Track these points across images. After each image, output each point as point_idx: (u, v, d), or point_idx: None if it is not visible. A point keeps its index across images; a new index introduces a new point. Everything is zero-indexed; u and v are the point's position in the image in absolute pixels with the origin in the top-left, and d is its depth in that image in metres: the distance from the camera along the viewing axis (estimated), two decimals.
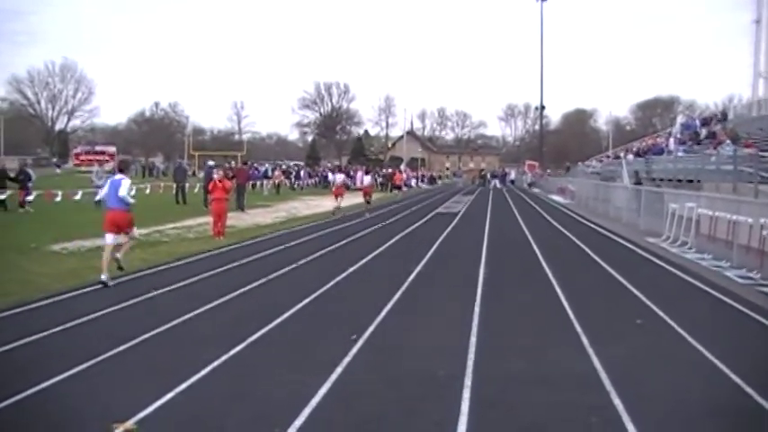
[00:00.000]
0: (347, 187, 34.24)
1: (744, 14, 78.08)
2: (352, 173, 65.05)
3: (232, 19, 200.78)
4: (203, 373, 7.41)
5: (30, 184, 31.92)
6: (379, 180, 65.99)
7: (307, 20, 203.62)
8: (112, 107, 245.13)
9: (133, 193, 14.52)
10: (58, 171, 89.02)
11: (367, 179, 37.54)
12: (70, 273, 13.89)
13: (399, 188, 55.54)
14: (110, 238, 13.21)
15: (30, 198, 30.61)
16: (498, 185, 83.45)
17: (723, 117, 44.23)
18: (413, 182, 75.96)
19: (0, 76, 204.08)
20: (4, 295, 11.39)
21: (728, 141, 29.29)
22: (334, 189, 33.91)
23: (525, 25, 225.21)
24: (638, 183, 34.22)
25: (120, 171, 14.62)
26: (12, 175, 32.40)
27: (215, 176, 22.73)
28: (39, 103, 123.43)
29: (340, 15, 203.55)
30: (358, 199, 36.88)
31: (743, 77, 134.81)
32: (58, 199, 32.93)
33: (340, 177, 35.78)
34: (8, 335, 8.77)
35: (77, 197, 34.04)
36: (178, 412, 6.32)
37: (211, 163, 34.84)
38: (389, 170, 74.27)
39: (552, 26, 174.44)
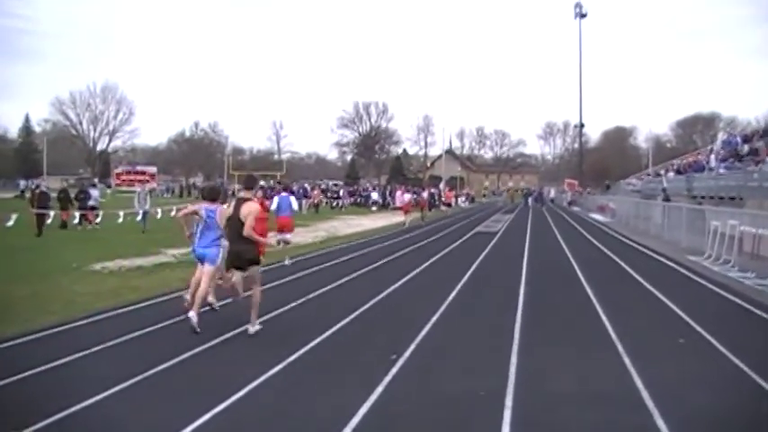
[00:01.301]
0: (412, 205, 40.60)
1: None
2: (395, 192, 65.50)
3: (272, 39, 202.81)
4: (244, 392, 7.43)
5: (90, 203, 33.79)
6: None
7: (346, 40, 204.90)
8: (153, 128, 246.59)
9: (296, 205, 20.18)
10: (108, 191, 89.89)
11: (424, 195, 45.66)
12: (111, 292, 13.99)
13: (449, 205, 59.85)
14: (278, 236, 19.77)
15: (76, 217, 32.38)
16: (531, 204, 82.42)
17: (765, 133, 43.70)
18: (452, 201, 75.76)
19: (44, 97, 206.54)
20: (47, 314, 11.52)
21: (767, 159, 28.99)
22: (403, 206, 40.00)
23: (564, 43, 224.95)
24: (667, 199, 34.22)
25: (285, 191, 22.96)
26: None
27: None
28: (81, 123, 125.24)
29: (379, 35, 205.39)
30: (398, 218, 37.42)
31: None
32: (98, 219, 33.44)
33: (407, 196, 41.72)
34: (50, 353, 8.85)
35: (120, 219, 34.56)
36: (218, 431, 6.33)
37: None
38: (431, 189, 74.30)
39: (591, 43, 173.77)
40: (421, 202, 44.81)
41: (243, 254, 10.62)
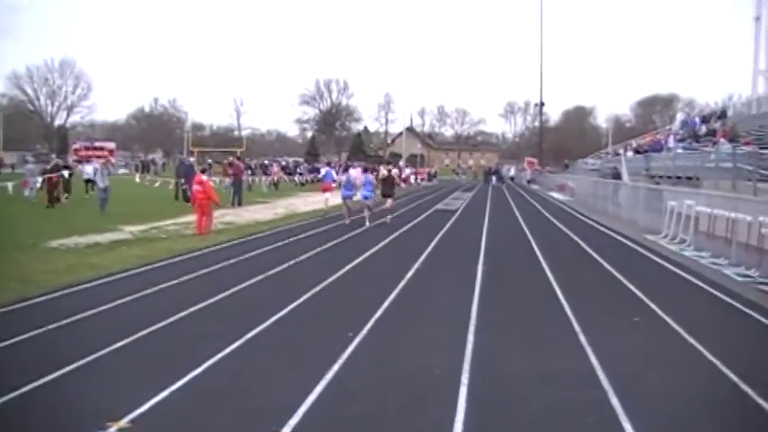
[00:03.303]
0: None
1: (745, 12, 77.92)
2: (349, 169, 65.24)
3: (232, 14, 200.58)
4: (200, 370, 7.39)
5: (86, 177, 36.69)
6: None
7: (307, 16, 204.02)
8: (112, 103, 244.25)
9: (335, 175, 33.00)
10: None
11: (395, 171, 44.42)
12: (67, 269, 13.84)
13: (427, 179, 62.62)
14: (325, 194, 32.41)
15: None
16: (494, 182, 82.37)
17: (722, 115, 44.16)
18: (412, 178, 75.30)
19: None
20: (2, 291, 11.38)
21: (722, 141, 29.33)
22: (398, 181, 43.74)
23: (525, 22, 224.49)
24: (616, 177, 34.96)
25: (328, 165, 41.20)
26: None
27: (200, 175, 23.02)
28: (38, 98, 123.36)
29: (340, 12, 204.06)
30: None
31: (743, 76, 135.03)
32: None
33: (395, 171, 44.10)
34: (5, 332, 8.76)
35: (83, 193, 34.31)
36: (174, 410, 6.30)
37: (191, 159, 37.56)
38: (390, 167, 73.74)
39: (552, 23, 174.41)
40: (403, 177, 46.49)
41: (389, 192, 26.65)
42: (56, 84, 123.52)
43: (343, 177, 28.15)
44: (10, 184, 28.87)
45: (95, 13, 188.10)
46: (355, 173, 27.43)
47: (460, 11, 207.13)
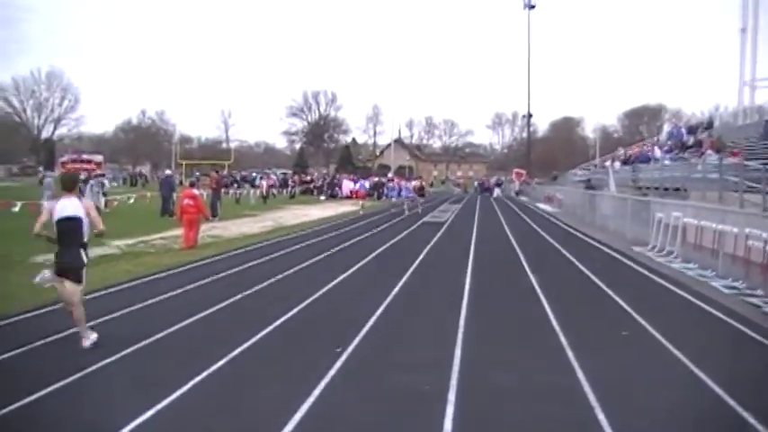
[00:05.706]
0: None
1: (731, 23, 78.30)
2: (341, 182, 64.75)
3: (220, 26, 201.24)
4: (188, 386, 7.37)
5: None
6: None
7: (295, 27, 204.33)
8: (99, 115, 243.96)
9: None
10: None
11: (416, 183, 51.55)
12: (52, 286, 13.68)
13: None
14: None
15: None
16: (498, 194, 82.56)
17: (709, 125, 44.27)
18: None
19: None
20: None
21: (710, 152, 29.36)
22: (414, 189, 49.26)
23: (513, 34, 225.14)
24: (591, 188, 35.63)
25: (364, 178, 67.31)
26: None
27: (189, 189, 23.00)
28: (24, 111, 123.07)
29: (329, 23, 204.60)
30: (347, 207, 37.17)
31: (730, 87, 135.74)
32: (16, 209, 30.29)
33: (415, 183, 51.61)
34: None
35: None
36: (162, 427, 6.26)
37: (168, 171, 38.08)
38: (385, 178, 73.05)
39: (540, 34, 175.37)
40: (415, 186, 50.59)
41: (422, 194, 46.80)
42: (43, 96, 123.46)
43: (392, 187, 51.21)
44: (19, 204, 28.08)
45: (83, 24, 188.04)
46: (409, 184, 48.98)
47: (448, 22, 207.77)
